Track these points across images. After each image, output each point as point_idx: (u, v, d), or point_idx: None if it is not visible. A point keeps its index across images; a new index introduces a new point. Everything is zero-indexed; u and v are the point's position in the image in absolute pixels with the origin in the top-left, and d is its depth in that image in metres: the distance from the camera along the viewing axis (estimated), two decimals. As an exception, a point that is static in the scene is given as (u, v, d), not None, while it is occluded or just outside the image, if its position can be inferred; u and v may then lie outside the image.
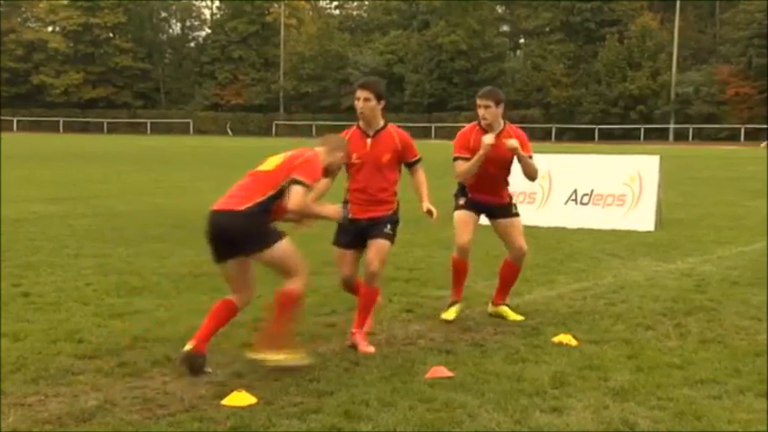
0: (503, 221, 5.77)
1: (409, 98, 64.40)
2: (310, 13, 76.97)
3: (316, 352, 4.78)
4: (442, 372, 4.35)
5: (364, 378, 4.26)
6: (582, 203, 11.23)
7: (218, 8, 76.87)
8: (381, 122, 5.17)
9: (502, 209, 5.76)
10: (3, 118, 59.85)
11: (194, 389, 4.09)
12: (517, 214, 5.83)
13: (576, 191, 11.28)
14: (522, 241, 5.76)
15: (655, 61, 59.35)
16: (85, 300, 6.05)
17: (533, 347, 4.92)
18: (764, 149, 43.57)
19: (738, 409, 3.88)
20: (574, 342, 5.00)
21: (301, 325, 5.35)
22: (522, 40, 73.11)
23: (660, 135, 55.80)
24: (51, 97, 68.44)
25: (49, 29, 72.27)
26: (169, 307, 5.88)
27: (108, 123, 65.69)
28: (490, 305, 5.84)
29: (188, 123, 65.55)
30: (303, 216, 4.51)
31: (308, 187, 4.39)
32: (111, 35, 71.10)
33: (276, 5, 71.30)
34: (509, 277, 5.85)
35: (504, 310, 5.76)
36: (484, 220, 5.84)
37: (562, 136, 57.40)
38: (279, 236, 4.41)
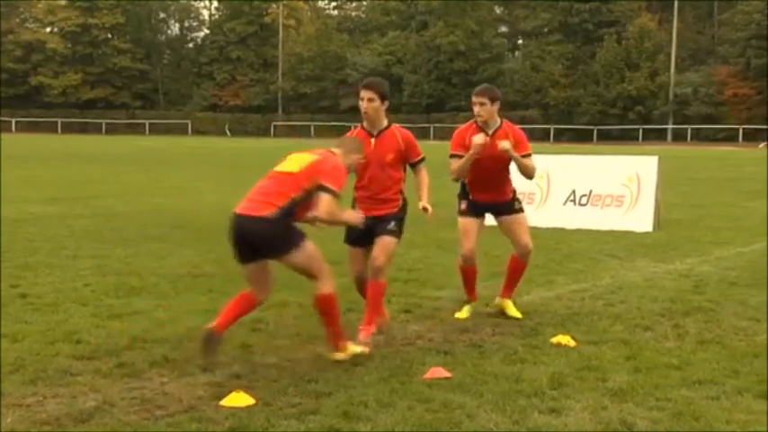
0: (507, 218, 5.78)
1: (408, 99, 64.41)
2: (309, 13, 76.94)
3: (314, 352, 4.78)
4: (441, 372, 4.36)
5: (363, 379, 4.26)
6: (580, 204, 11.23)
7: (216, 9, 76.87)
8: (385, 122, 5.21)
9: (505, 206, 5.77)
10: (1, 119, 59.80)
11: (193, 389, 4.10)
12: (521, 210, 5.83)
13: (574, 191, 11.28)
14: (526, 239, 5.77)
15: (653, 62, 59.39)
16: (84, 300, 6.05)
17: (532, 348, 4.92)
18: (763, 150, 43.63)
19: (736, 409, 3.89)
20: (572, 343, 5.00)
21: (300, 325, 5.38)
22: (520, 41, 73.16)
23: (658, 136, 55.86)
24: (49, 98, 68.35)
25: (48, 29, 72.20)
26: (168, 307, 5.88)
27: (106, 124, 65.62)
28: (497, 297, 5.92)
29: (186, 124, 65.49)
30: (331, 223, 4.61)
31: (336, 195, 4.49)
32: (109, 36, 71.06)
33: (274, 6, 71.25)
34: (514, 273, 5.89)
35: (506, 303, 5.83)
36: (490, 219, 5.87)
37: (561, 136, 57.44)
38: (302, 238, 4.49)
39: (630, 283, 7.00)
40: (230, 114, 68.13)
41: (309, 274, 4.53)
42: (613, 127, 56.87)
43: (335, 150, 4.74)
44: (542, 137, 55.91)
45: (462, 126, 5.82)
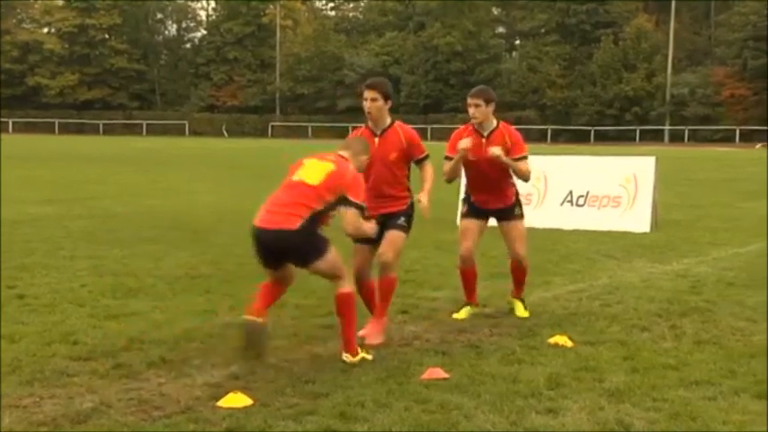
0: (505, 224, 5.83)
1: (405, 99, 64.42)
2: (306, 14, 76.88)
3: (312, 353, 4.79)
4: (438, 373, 4.35)
5: (360, 379, 4.26)
6: (577, 205, 11.24)
7: (213, 9, 76.92)
8: (388, 121, 5.25)
9: (506, 211, 5.79)
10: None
11: (190, 390, 4.09)
12: (519, 216, 5.82)
13: (571, 192, 11.29)
14: (518, 247, 5.78)
15: (650, 63, 59.46)
16: (81, 301, 6.04)
17: (529, 349, 4.92)
18: (760, 151, 43.74)
19: (733, 410, 3.89)
20: (569, 343, 5.00)
21: (297, 326, 5.37)
22: (517, 42, 73.20)
23: (655, 136, 55.93)
24: (47, 98, 68.28)
25: (45, 30, 72.11)
26: (165, 308, 5.87)
27: (103, 125, 65.54)
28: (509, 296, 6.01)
29: (183, 125, 65.42)
30: (357, 236, 4.83)
31: (361, 208, 4.66)
32: (106, 36, 70.99)
33: (272, 7, 71.23)
34: (516, 274, 5.92)
35: (514, 303, 5.90)
36: (493, 221, 5.90)
37: (558, 137, 57.50)
38: (326, 246, 4.59)
39: (628, 284, 7.00)
40: (227, 115, 68.07)
41: (331, 277, 4.65)
42: (610, 128, 56.94)
43: (344, 153, 4.82)
44: (539, 137, 55.97)
45: (460, 128, 5.83)
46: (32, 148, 34.00)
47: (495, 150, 5.52)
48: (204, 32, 76.21)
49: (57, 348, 4.77)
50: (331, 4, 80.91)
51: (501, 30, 74.02)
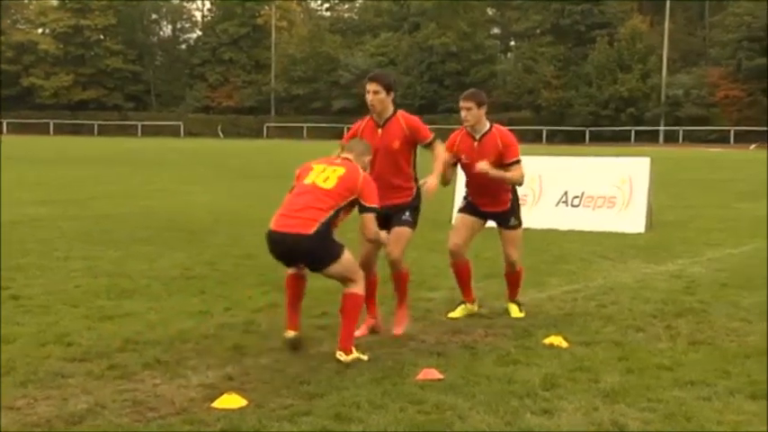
0: (502, 231, 5.85)
1: (400, 100, 64.04)
2: (301, 15, 76.95)
3: (307, 354, 4.78)
4: (433, 374, 4.35)
5: (355, 380, 4.26)
6: (573, 205, 11.26)
7: (208, 10, 76.78)
8: (391, 111, 5.29)
9: (501, 216, 5.80)
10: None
11: (185, 391, 4.09)
12: (516, 227, 5.80)
13: (566, 193, 11.31)
14: (511, 253, 5.76)
15: (645, 64, 59.59)
16: (75, 302, 6.03)
17: (524, 349, 4.93)
18: (754, 152, 43.90)
19: (728, 410, 3.90)
20: (564, 344, 5.01)
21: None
22: (512, 43, 73.34)
23: (651, 137, 56.06)
24: (41, 99, 68.11)
25: (39, 31, 71.87)
26: (159, 309, 5.86)
27: (98, 125, 65.39)
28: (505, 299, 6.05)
29: (179, 126, 65.34)
30: (376, 242, 5.00)
31: (377, 212, 4.84)
32: (101, 37, 70.73)
33: (267, 7, 71.24)
34: (508, 278, 5.94)
35: (509, 306, 5.91)
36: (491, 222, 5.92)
37: (553, 138, 57.60)
38: (342, 251, 4.69)
39: (622, 285, 7.02)
40: (223, 116, 68.03)
41: (344, 280, 4.73)
42: (606, 128, 57.05)
43: (348, 156, 4.94)
44: (535, 138, 56.05)
45: (455, 132, 5.83)
46: (27, 149, 33.91)
47: (483, 166, 5.52)
48: (199, 33, 76.14)
49: (51, 349, 4.76)
50: (326, 5, 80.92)
51: (496, 30, 74.11)
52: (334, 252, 4.65)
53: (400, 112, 5.32)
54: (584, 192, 11.23)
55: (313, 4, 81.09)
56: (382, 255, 5.36)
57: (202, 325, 5.42)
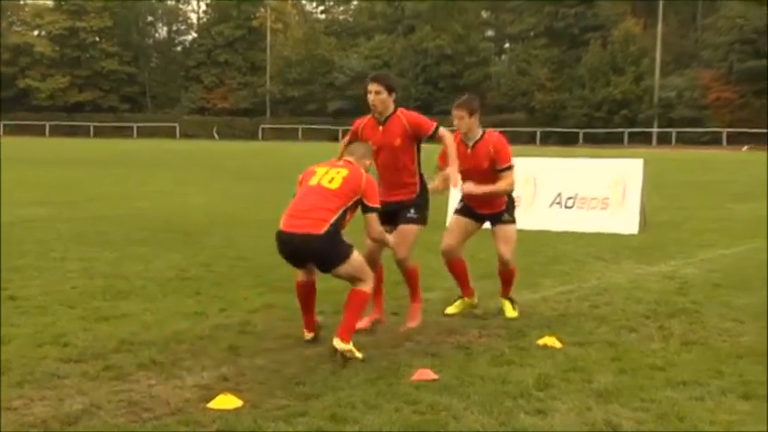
0: (494, 227, 5.88)
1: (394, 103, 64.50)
2: (296, 17, 76.97)
3: (302, 355, 4.79)
4: (428, 374, 4.37)
5: (350, 381, 4.28)
6: (566, 207, 11.30)
7: (204, 12, 76.84)
8: (392, 110, 5.35)
9: (495, 216, 5.84)
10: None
11: (180, 392, 4.09)
12: (508, 222, 5.84)
13: (560, 194, 11.35)
14: (503, 250, 5.78)
15: (638, 66, 59.80)
16: (71, 303, 6.03)
17: (518, 350, 4.94)
18: (746, 153, 44.10)
19: (720, 410, 3.92)
20: (558, 344, 5.03)
21: (288, 328, 5.38)
22: (506, 45, 73.48)
23: (644, 139, 56.23)
24: (37, 101, 68.13)
25: (35, 33, 71.81)
26: (155, 310, 5.87)
27: (94, 127, 65.33)
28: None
29: (174, 127, 65.31)
30: (380, 241, 5.08)
31: (379, 211, 4.94)
32: (97, 39, 70.81)
33: (262, 10, 71.29)
34: (502, 276, 5.94)
35: (502, 303, 5.92)
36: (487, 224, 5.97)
37: (547, 140, 57.72)
38: (350, 251, 4.76)
39: (616, 285, 7.05)
40: (218, 117, 68.05)
41: (353, 280, 4.79)
42: (599, 130, 57.22)
43: (350, 159, 5.04)
44: (529, 140, 56.18)
45: None
46: (23, 151, 33.79)
47: (470, 187, 5.57)
48: (195, 35, 76.16)
49: (47, 350, 4.76)
50: (321, 8, 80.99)
51: (490, 33, 74.25)
52: (343, 253, 4.72)
53: (400, 110, 5.39)
54: (578, 193, 11.27)
55: (308, 7, 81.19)
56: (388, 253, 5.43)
57: (198, 326, 5.43)
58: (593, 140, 55.99)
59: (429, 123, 5.35)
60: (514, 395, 4.07)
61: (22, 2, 72.30)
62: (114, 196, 15.12)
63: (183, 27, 79.38)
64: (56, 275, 7.13)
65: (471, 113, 5.62)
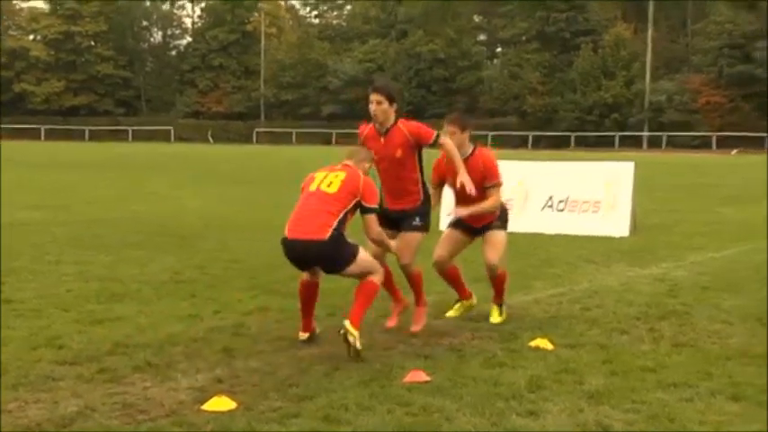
0: (484, 233, 5.90)
1: (389, 106, 64.59)
2: (290, 22, 77.10)
3: (296, 357, 4.82)
4: (420, 376, 4.39)
5: (343, 383, 4.30)
6: (558, 210, 11.36)
7: (198, 17, 76.92)
8: (393, 120, 5.42)
9: (487, 226, 5.86)
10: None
11: (175, 394, 4.11)
12: (497, 227, 5.85)
13: (552, 197, 11.41)
14: (489, 255, 5.76)
15: (629, 70, 60.10)
16: (66, 306, 6.05)
17: (510, 352, 4.97)
18: (736, 157, 44.37)
19: (710, 411, 3.95)
20: (550, 346, 5.06)
21: (282, 330, 5.41)
22: (498, 49, 73.66)
23: (634, 142, 56.41)
24: (33, 105, 68.13)
25: (30, 37, 71.80)
26: (150, 313, 5.88)
27: (89, 131, 65.27)
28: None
29: (169, 131, 65.30)
30: (379, 242, 5.15)
31: (377, 212, 5.05)
32: (92, 43, 70.79)
33: (256, 14, 71.39)
34: (491, 282, 5.95)
35: (491, 308, 5.91)
36: None
37: (539, 143, 57.87)
38: (356, 251, 4.87)
39: (607, 288, 7.09)
40: (213, 121, 68.09)
41: (363, 276, 4.91)
42: (590, 134, 57.43)
43: (349, 162, 5.12)
44: (520, 143, 56.34)
45: (440, 156, 5.88)
46: (18, 154, 33.64)
47: (459, 212, 5.68)
48: (190, 40, 76.16)
49: (42, 353, 4.78)
50: (315, 12, 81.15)
51: (482, 37, 74.43)
52: (349, 254, 4.84)
53: (401, 120, 5.45)
54: (570, 196, 11.33)
55: (302, 12, 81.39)
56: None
57: (192, 328, 5.45)
58: (584, 144, 56.17)
59: (430, 132, 5.41)
60: (506, 397, 4.09)
61: (17, 6, 72.25)
62: (109, 199, 15.11)
63: (177, 31, 79.44)
64: (51, 278, 7.14)
65: (463, 129, 5.68)
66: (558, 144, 56.58)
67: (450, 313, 5.93)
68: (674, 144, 54.94)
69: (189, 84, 70.92)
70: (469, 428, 3.70)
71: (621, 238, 10.50)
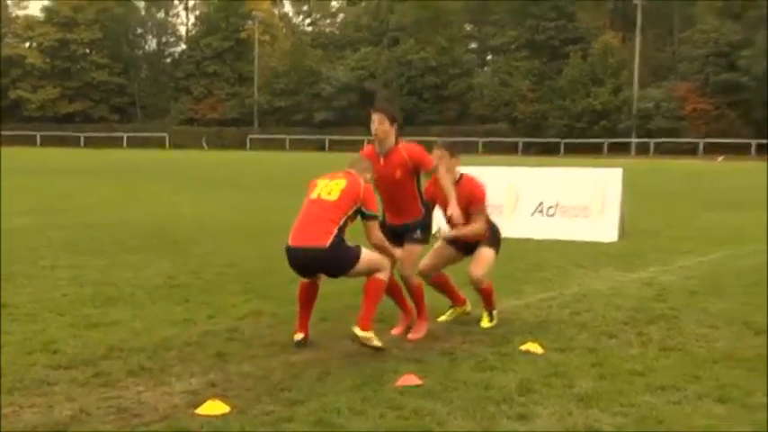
0: (474, 251, 5.94)
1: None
2: (283, 29, 77.33)
3: (288, 361, 4.84)
4: (412, 380, 4.42)
5: (336, 387, 4.32)
6: (548, 215, 11.44)
7: (193, 25, 77.15)
8: (393, 142, 5.52)
9: (477, 243, 5.90)
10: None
11: (169, 398, 4.13)
12: (487, 245, 5.87)
13: (542, 203, 11.48)
14: (473, 267, 5.79)
15: (617, 78, 60.53)
16: (61, 310, 6.06)
17: (501, 356, 5.00)
18: (721, 163, 44.71)
19: (697, 414, 3.99)
20: (540, 350, 5.09)
21: (274, 335, 5.44)
22: (489, 57, 73.96)
23: (623, 149, 56.72)
24: (28, 112, 68.19)
25: (26, 45, 71.79)
26: (144, 317, 5.90)
27: (85, 137, 65.19)
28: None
29: (164, 137, 65.27)
30: (381, 247, 5.20)
31: (377, 218, 5.16)
32: (87, 51, 70.99)
33: (250, 22, 71.54)
34: (479, 294, 5.94)
35: (482, 314, 5.95)
36: None
37: (529, 149, 58.09)
38: (358, 253, 4.95)
39: (596, 292, 7.13)
40: (207, 128, 68.13)
41: (370, 274, 5.00)
42: (579, 140, 57.68)
43: (351, 170, 5.22)
44: (511, 150, 56.53)
45: (431, 179, 5.95)
46: (15, 160, 33.49)
47: (447, 234, 5.77)
48: (184, 47, 76.29)
49: (37, 357, 4.79)
50: (308, 20, 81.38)
51: (473, 45, 74.76)
52: (351, 257, 4.94)
53: (402, 143, 5.53)
54: (559, 202, 11.42)
55: (295, 20, 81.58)
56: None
57: (186, 332, 5.46)
58: (573, 150, 56.41)
59: (429, 161, 5.51)
60: (497, 400, 4.12)
61: (14, 14, 72.22)
62: (105, 205, 15.09)
63: (172, 39, 79.60)
64: (46, 283, 7.14)
65: (452, 155, 5.76)
66: (548, 150, 56.83)
67: (443, 318, 5.98)
68: (661, 150, 55.26)
69: (183, 90, 70.99)
70: (460, 432, 3.72)
71: (610, 242, 10.56)
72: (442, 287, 5.96)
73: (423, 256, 5.81)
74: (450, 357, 4.99)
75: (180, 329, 5.56)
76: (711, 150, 53.07)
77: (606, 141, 57.16)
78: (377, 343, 4.88)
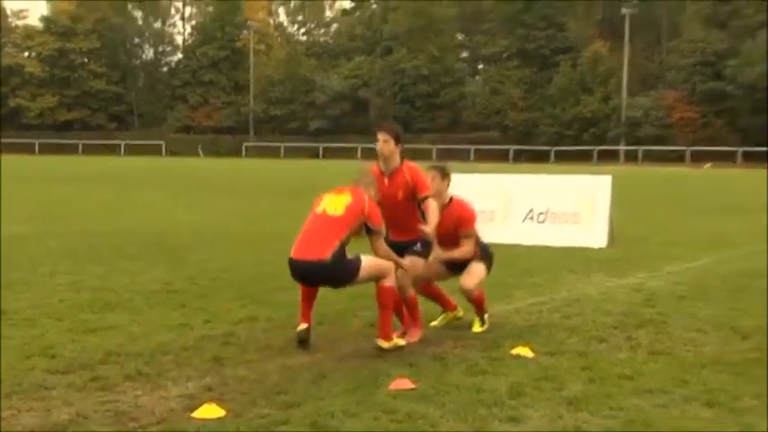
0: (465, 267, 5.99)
1: (374, 120, 64.83)
2: (278, 39, 77.67)
3: (284, 365, 4.88)
4: (405, 384, 4.46)
5: (330, 390, 4.35)
6: (539, 222, 11.52)
7: (189, 34, 77.45)
8: (398, 161, 5.61)
9: (468, 261, 5.97)
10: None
11: (165, 402, 4.15)
12: (479, 260, 5.93)
13: (532, 210, 11.56)
14: (464, 279, 5.84)
15: (606, 86, 60.91)
16: (59, 316, 6.09)
17: (492, 360, 5.04)
18: (708, 170, 45.06)
19: (685, 417, 4.03)
20: (530, 354, 5.13)
21: (270, 339, 5.49)
22: (480, 66, 74.28)
23: (612, 156, 56.96)
24: (27, 120, 68.26)
25: (25, 54, 71.86)
26: (141, 322, 5.94)
27: (83, 145, 65.16)
28: None
29: (161, 145, 65.27)
30: (388, 260, 5.28)
31: (383, 234, 5.31)
32: (85, 60, 71.14)
33: (245, 32, 71.78)
34: (470, 302, 5.99)
35: (473, 319, 6.00)
36: None
37: (520, 157, 58.26)
38: (359, 264, 5.03)
39: (586, 297, 7.18)
40: (203, 136, 68.21)
41: (375, 280, 5.11)
42: (569, 148, 57.91)
43: (356, 186, 5.31)
44: (502, 157, 56.72)
45: None
46: (13, 168, 33.37)
47: (439, 255, 5.85)
48: (180, 56, 76.50)
49: (35, 362, 4.82)
50: (302, 30, 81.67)
51: (465, 54, 75.07)
52: (352, 269, 5.03)
53: (406, 164, 5.62)
54: (549, 208, 11.50)
55: (290, 29, 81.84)
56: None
57: (182, 337, 5.50)
58: (563, 158, 56.63)
59: (426, 188, 5.60)
60: (488, 403, 4.15)
61: (13, 24, 72.25)
62: (103, 212, 15.09)
63: (168, 48, 79.84)
64: (45, 289, 7.17)
65: (443, 177, 5.86)
66: (539, 158, 57.02)
67: (435, 323, 6.04)
68: (650, 158, 55.54)
69: (180, 99, 71.14)
70: (452, 434, 3.75)
71: (600, 248, 10.63)
72: (432, 295, 6.02)
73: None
74: (442, 362, 5.03)
75: (176, 334, 5.59)
76: (699, 158, 53.44)
77: (595, 149, 57.43)
78: (402, 343, 5.13)
